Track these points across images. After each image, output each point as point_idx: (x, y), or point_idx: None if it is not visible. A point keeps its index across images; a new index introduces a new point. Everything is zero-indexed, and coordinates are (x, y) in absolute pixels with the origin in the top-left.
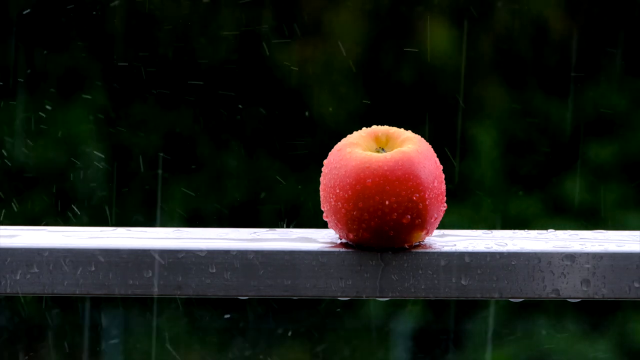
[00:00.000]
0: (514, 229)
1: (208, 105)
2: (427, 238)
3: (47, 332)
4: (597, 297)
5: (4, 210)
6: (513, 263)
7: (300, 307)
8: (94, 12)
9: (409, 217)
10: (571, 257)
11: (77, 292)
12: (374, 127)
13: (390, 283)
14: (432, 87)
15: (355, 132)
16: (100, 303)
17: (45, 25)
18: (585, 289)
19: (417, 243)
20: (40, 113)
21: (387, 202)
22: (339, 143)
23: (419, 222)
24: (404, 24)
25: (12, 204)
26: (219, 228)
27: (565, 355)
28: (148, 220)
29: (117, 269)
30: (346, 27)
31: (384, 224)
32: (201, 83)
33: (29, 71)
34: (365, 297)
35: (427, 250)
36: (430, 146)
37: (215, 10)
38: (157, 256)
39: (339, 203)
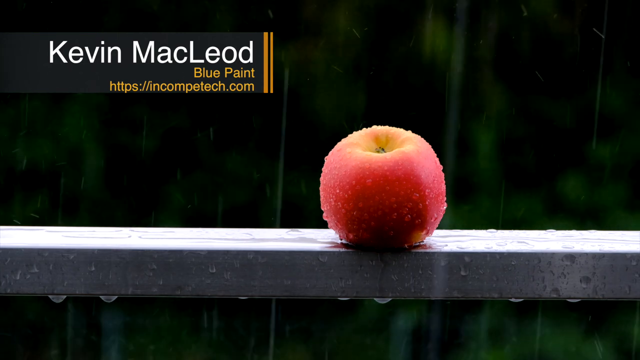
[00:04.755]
0: (514, 229)
1: (208, 104)
2: (427, 238)
3: (47, 332)
4: (597, 297)
5: (4, 210)
6: (513, 263)
7: (300, 307)
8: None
9: (409, 217)
10: (571, 257)
11: (77, 292)
12: (374, 127)
13: (390, 283)
14: (432, 86)
15: (355, 132)
16: (100, 303)
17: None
18: (585, 289)
19: (417, 243)
20: (39, 112)
21: (387, 202)
22: (339, 143)
23: (419, 222)
24: (404, 23)
25: (12, 204)
26: (218, 228)
27: (565, 356)
28: (148, 220)
29: (117, 269)
30: (345, 26)
31: (384, 224)
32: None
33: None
34: (366, 297)
35: (427, 250)
36: (430, 146)
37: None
38: (157, 256)
39: (339, 203)
